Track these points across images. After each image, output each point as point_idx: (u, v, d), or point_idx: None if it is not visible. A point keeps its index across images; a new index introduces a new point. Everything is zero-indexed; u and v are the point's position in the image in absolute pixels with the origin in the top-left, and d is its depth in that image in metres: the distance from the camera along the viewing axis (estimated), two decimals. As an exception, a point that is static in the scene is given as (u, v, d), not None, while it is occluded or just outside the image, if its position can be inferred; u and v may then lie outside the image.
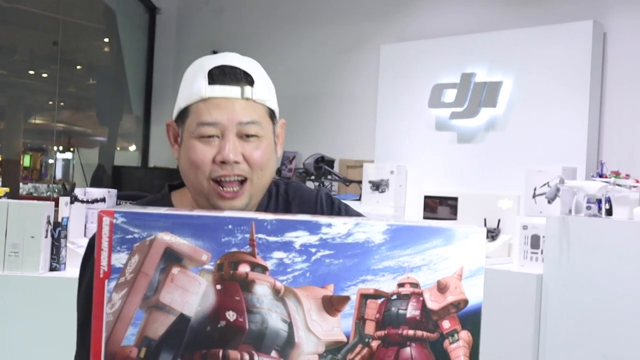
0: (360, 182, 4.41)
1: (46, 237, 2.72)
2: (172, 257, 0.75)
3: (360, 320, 0.76)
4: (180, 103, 1.14)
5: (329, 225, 0.72)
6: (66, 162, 5.50)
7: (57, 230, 2.83)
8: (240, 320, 0.73)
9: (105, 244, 0.74)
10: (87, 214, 3.31)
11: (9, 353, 2.60)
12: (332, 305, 0.73)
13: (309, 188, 1.33)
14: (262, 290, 0.73)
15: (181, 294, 0.75)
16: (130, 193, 3.78)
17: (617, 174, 3.35)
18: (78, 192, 3.26)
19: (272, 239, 0.72)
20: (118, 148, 5.89)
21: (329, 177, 4.49)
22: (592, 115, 3.80)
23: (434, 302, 0.78)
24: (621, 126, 3.80)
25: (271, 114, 1.17)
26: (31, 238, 2.70)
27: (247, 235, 0.72)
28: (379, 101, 4.65)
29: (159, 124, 5.87)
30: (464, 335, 0.78)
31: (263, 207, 1.23)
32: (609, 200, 3.27)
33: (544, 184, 3.60)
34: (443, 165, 4.32)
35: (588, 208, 3.22)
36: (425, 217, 4.19)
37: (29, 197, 5.67)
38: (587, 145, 3.75)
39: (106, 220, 0.72)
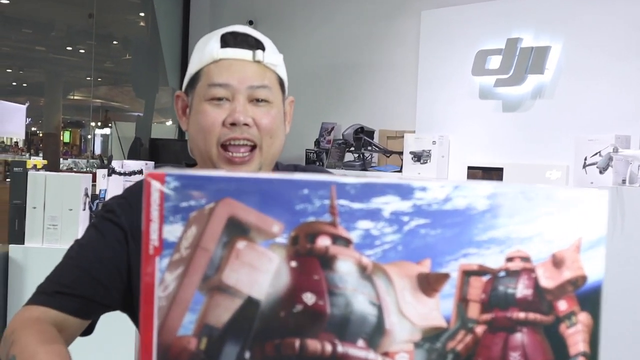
0: (401, 153, 4.27)
1: (84, 209, 2.72)
2: (236, 229, 0.61)
3: (463, 301, 0.63)
4: (191, 69, 1.14)
5: (424, 189, 0.59)
6: (105, 137, 5.49)
7: (95, 203, 2.82)
8: (320, 303, 0.60)
9: (154, 214, 0.60)
10: (124, 186, 3.29)
11: None
12: (429, 284, 0.60)
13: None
14: (345, 268, 0.60)
15: (248, 273, 0.61)
16: (167, 165, 3.72)
17: (674, 142, 3.17)
18: (115, 164, 3.24)
19: (356, 205, 0.59)
20: (155, 122, 5.85)
21: (369, 148, 4.36)
22: (646, 80, 3.59)
23: (548, 280, 0.65)
24: (677, 91, 3.59)
25: (281, 83, 1.17)
26: (69, 210, 2.70)
27: (327, 202, 0.59)
28: (420, 69, 4.49)
29: (195, 96, 5.78)
30: (583, 317, 0.65)
31: None
32: (666, 169, 3.10)
33: (595, 153, 3.43)
34: (487, 135, 4.16)
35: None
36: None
37: (69, 172, 5.68)
38: (641, 112, 3.56)
39: (155, 185, 0.58)
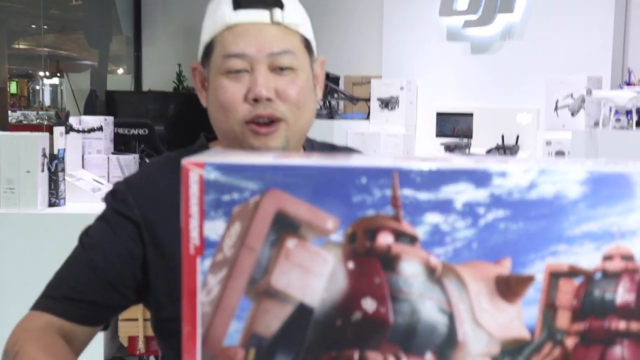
0: (368, 100, 4.20)
1: (42, 170, 2.55)
2: (285, 225, 0.54)
3: (550, 308, 0.54)
4: (204, 37, 1.04)
5: (503, 175, 0.51)
6: (54, 87, 5.27)
7: (54, 163, 2.68)
8: (382, 310, 0.52)
9: (194, 209, 0.54)
10: (83, 144, 3.18)
11: (9, 293, 2.47)
12: (509, 288, 0.52)
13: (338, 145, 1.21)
14: (411, 269, 0.52)
15: (300, 276, 0.54)
16: (130, 120, 3.58)
17: (645, 82, 3.17)
18: (72, 120, 3.09)
19: (423, 196, 0.51)
20: (119, 71, 5.64)
21: (335, 95, 4.27)
22: (618, 20, 3.59)
23: None
24: (649, 31, 3.58)
25: (307, 44, 1.04)
26: (27, 173, 2.54)
27: (389, 192, 0.51)
28: (385, 11, 4.39)
29: (150, 44, 5.59)
30: None
31: None
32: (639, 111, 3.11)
33: (567, 95, 3.42)
34: (456, 78, 4.11)
35: (617, 120, 3.05)
36: (438, 136, 4.01)
37: (19, 125, 5.45)
38: (612, 52, 3.57)
39: (194, 174, 0.52)
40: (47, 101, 5.29)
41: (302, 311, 0.54)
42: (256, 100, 0.98)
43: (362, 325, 0.52)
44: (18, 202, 2.50)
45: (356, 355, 0.53)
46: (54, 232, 2.46)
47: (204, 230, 0.53)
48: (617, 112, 3.06)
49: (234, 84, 1.00)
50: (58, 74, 5.21)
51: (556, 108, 3.46)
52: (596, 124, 3.15)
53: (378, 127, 4.09)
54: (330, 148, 1.19)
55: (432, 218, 0.51)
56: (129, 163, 3.23)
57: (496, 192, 0.51)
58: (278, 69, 1.00)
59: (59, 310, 1.00)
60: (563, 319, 0.54)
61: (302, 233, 0.53)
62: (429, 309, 0.52)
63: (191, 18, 5.42)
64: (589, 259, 0.53)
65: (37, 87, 5.27)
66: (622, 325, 0.55)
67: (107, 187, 2.97)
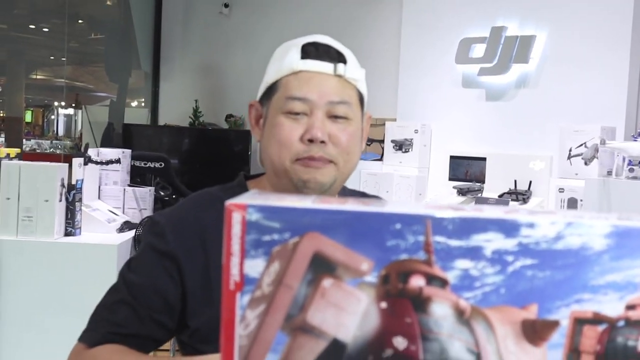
0: (382, 142, 4.24)
1: (60, 200, 2.60)
2: (322, 266, 0.57)
3: (574, 353, 0.56)
4: (268, 79, 1.11)
5: (532, 226, 0.54)
6: (68, 117, 5.35)
7: (72, 194, 2.70)
8: (413, 349, 0.55)
9: (236, 247, 0.57)
10: (100, 176, 3.22)
11: (24, 319, 2.51)
12: (535, 332, 0.55)
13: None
14: (441, 311, 0.55)
15: (335, 314, 0.57)
16: (146, 154, 3.63)
17: (659, 134, 3.19)
18: (91, 152, 3.14)
19: (454, 243, 0.54)
20: (133, 104, 5.73)
21: (350, 136, 4.31)
22: (633, 71, 3.62)
23: None
24: (663, 83, 3.62)
25: (361, 99, 1.13)
26: (45, 202, 2.58)
27: (422, 238, 0.54)
28: (402, 56, 4.44)
29: (168, 80, 5.68)
30: None
31: None
32: (652, 161, 3.12)
33: (581, 144, 3.45)
34: (470, 124, 4.14)
35: (630, 170, 3.07)
36: (451, 179, 4.03)
37: (33, 154, 5.52)
38: (626, 103, 3.58)
39: (237, 216, 0.55)
40: (61, 131, 5.37)
41: (336, 347, 0.56)
42: (311, 141, 1.05)
43: None
44: (35, 231, 2.53)
45: None
46: (69, 261, 2.51)
47: (244, 267, 0.56)
48: (630, 162, 3.08)
49: (292, 124, 1.07)
50: (73, 105, 5.29)
51: (569, 157, 3.48)
52: (609, 173, 3.16)
53: (391, 169, 4.12)
54: (361, 195, 1.25)
55: (463, 264, 0.54)
56: (144, 195, 3.28)
57: (524, 242, 0.53)
58: (333, 117, 1.07)
59: (102, 343, 1.05)
60: None
61: (337, 273, 0.56)
62: (457, 349, 0.55)
63: (208, 56, 5.53)
64: (612, 307, 0.54)
65: (52, 117, 5.35)
66: None
67: (122, 219, 3.01)
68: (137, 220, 3.06)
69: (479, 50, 4.05)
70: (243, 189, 1.14)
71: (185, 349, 1.15)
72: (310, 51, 1.08)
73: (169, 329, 1.09)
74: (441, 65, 4.23)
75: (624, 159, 3.10)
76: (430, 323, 0.55)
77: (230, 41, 5.23)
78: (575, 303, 0.54)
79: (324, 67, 1.08)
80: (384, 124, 4.29)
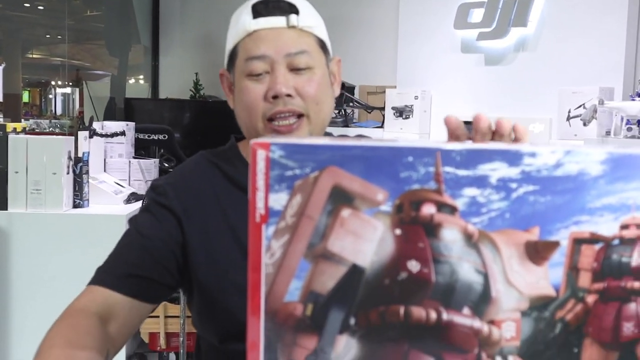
0: (382, 109, 4.27)
1: (68, 173, 2.64)
2: (341, 197, 0.62)
3: (573, 270, 0.61)
4: (228, 45, 1.13)
5: (533, 155, 0.58)
6: (65, 96, 5.37)
7: (79, 166, 2.73)
8: (425, 271, 0.60)
9: (261, 183, 0.61)
10: (105, 149, 3.24)
11: (35, 289, 2.57)
12: (537, 252, 0.60)
13: None
14: (451, 236, 0.60)
15: (353, 241, 0.62)
16: (150, 126, 3.67)
17: (657, 94, 3.22)
18: (95, 126, 3.18)
19: (462, 172, 0.59)
20: (132, 80, 5.74)
21: (350, 104, 4.35)
22: (630, 32, 3.64)
23: None
24: (660, 43, 3.64)
25: (322, 45, 1.13)
26: (53, 175, 2.62)
27: (432, 169, 0.59)
28: (401, 23, 4.46)
29: (167, 54, 5.70)
30: None
31: None
32: (650, 121, 3.16)
33: (579, 106, 3.47)
34: (470, 89, 4.17)
35: (628, 129, 3.11)
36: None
37: (32, 133, 5.55)
38: (624, 63, 3.61)
39: (261, 154, 0.59)
40: (59, 110, 5.38)
41: (355, 272, 0.62)
42: (276, 97, 1.06)
43: (407, 284, 0.60)
44: (44, 203, 2.58)
45: (401, 310, 0.60)
46: (78, 232, 2.56)
47: (269, 201, 0.60)
48: (628, 121, 3.11)
49: (256, 85, 1.08)
50: (70, 83, 5.30)
51: (568, 118, 3.51)
52: (608, 133, 3.20)
53: (392, 135, 4.15)
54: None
55: (470, 192, 0.59)
56: (149, 167, 3.32)
57: (527, 170, 0.58)
58: (296, 69, 1.08)
59: (116, 285, 1.06)
60: (584, 279, 0.61)
61: (355, 204, 0.61)
62: (466, 270, 0.60)
63: (207, 29, 5.51)
64: (607, 227, 0.60)
65: (50, 96, 5.37)
66: (636, 284, 0.62)
67: (129, 190, 3.05)
68: (143, 192, 3.10)
69: (477, 15, 4.06)
70: (234, 151, 1.18)
71: (193, 308, 1.19)
72: (261, 9, 1.09)
73: (175, 277, 1.12)
74: (440, 31, 4.25)
75: (622, 118, 3.13)
76: (441, 247, 0.60)
77: (229, 13, 5.21)
78: (574, 225, 0.59)
79: (276, 21, 1.08)
80: (384, 92, 4.31)
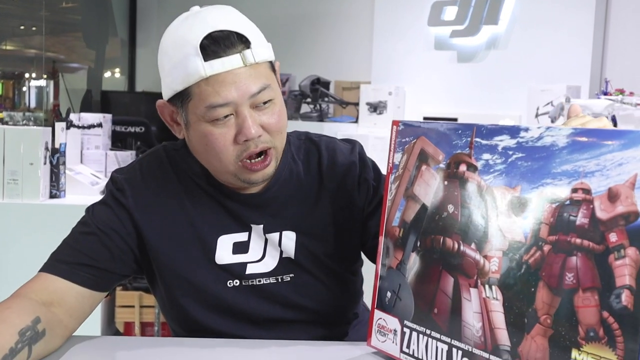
0: (357, 104, 4.47)
1: (45, 163, 2.73)
2: (423, 157, 0.95)
3: (538, 223, 0.80)
4: (175, 85, 1.08)
5: (526, 130, 0.82)
6: (39, 89, 5.40)
7: (56, 157, 2.81)
8: (456, 212, 0.86)
9: (392, 146, 0.99)
10: (82, 140, 3.30)
11: (12, 278, 2.59)
12: (518, 206, 0.83)
13: (343, 145, 1.29)
14: (472, 188, 0.85)
15: (425, 188, 0.94)
16: (127, 118, 3.78)
17: (621, 92, 3.49)
18: (72, 117, 3.24)
19: (484, 142, 0.83)
20: (109, 73, 5.78)
21: (325, 99, 4.54)
22: (597, 32, 3.91)
23: (602, 212, 0.74)
24: (625, 43, 3.92)
25: (272, 66, 1.13)
26: (30, 165, 2.69)
27: (469, 139, 0.84)
28: (376, 20, 4.70)
29: (144, 46, 5.78)
30: (631, 252, 0.71)
31: (294, 173, 1.22)
32: (614, 118, 3.41)
33: (547, 103, 3.72)
34: (442, 85, 4.42)
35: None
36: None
37: (5, 125, 5.55)
38: (591, 63, 3.88)
39: (394, 127, 1.01)
40: (33, 103, 5.41)
41: (423, 209, 0.96)
42: (247, 140, 1.07)
43: (446, 220, 0.87)
44: (21, 193, 2.66)
45: (441, 239, 0.93)
46: (54, 222, 2.58)
47: (394, 158, 1.00)
48: (594, 119, 3.37)
49: (222, 130, 1.07)
50: (45, 76, 5.33)
51: (537, 115, 3.76)
52: (575, 130, 3.44)
53: (366, 130, 4.35)
54: (306, 137, 1.29)
55: (486, 156, 0.83)
56: (126, 159, 3.39)
57: (520, 141, 0.82)
58: (260, 105, 1.09)
59: (69, 275, 1.11)
60: (544, 232, 0.81)
61: (429, 162, 0.95)
62: (477, 215, 0.84)
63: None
64: (563, 190, 0.79)
65: (24, 89, 5.38)
66: (578, 241, 0.77)
67: (105, 181, 3.14)
68: None
69: (450, 13, 4.30)
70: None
71: (157, 298, 1.27)
72: (212, 49, 1.04)
73: (131, 267, 1.18)
74: (414, 29, 4.48)
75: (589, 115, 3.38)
76: (465, 196, 0.85)
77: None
78: (542, 186, 0.81)
79: (232, 62, 1.05)
80: (358, 87, 4.52)
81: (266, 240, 1.19)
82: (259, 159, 1.11)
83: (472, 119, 4.15)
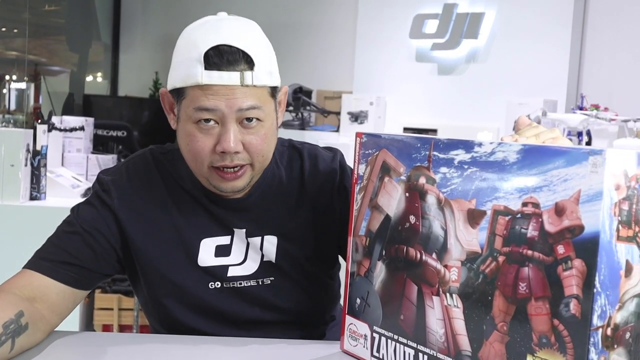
0: (338, 114, 4.54)
1: (26, 165, 2.73)
2: (385, 169, 1.01)
3: (492, 234, 0.84)
4: (175, 81, 1.12)
5: (480, 145, 0.87)
6: (20, 92, 5.38)
7: (37, 159, 2.80)
8: (417, 223, 0.92)
9: (356, 157, 1.05)
10: (64, 143, 3.30)
11: None
12: (473, 218, 0.87)
13: (325, 153, 1.32)
14: (431, 200, 0.90)
15: (388, 199, 1.00)
16: (109, 122, 3.81)
17: (596, 107, 3.58)
18: (54, 120, 3.25)
19: (441, 155, 0.88)
20: (91, 77, 5.77)
21: (307, 107, 4.59)
22: (574, 48, 4.02)
23: (550, 225, 0.77)
24: (601, 60, 4.03)
25: (273, 91, 1.15)
26: (11, 167, 2.70)
27: (427, 153, 0.89)
28: (358, 31, 4.78)
29: (128, 52, 5.81)
30: (578, 263, 0.75)
31: (276, 179, 1.25)
32: (589, 133, 3.51)
33: (525, 116, 3.79)
34: (423, 96, 4.50)
35: (570, 140, 3.43)
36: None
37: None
38: (567, 78, 3.98)
39: (357, 139, 1.06)
40: (13, 105, 5.39)
41: (387, 219, 1.01)
42: (224, 152, 1.10)
43: (408, 231, 0.95)
44: (1, 195, 2.66)
45: (405, 248, 0.98)
46: (34, 224, 2.58)
47: (358, 169, 1.05)
48: (569, 132, 3.44)
49: (203, 136, 1.10)
50: (26, 79, 5.31)
51: (514, 128, 3.83)
52: (550, 144, 3.52)
53: (347, 139, 4.40)
54: (290, 147, 1.31)
55: (443, 169, 0.88)
56: (107, 163, 3.37)
57: (475, 155, 0.88)
58: (245, 120, 1.10)
59: (52, 273, 1.13)
60: (498, 243, 0.84)
61: (390, 174, 1.00)
62: (436, 226, 0.90)
63: (169, 28, 5.66)
64: (514, 203, 0.82)
65: (4, 91, 5.37)
66: (529, 252, 0.81)
67: (86, 185, 3.13)
68: None
69: (431, 26, 4.39)
70: (179, 153, 1.21)
71: (139, 297, 1.30)
72: (215, 61, 1.07)
73: (113, 266, 1.21)
74: (396, 40, 4.56)
75: (564, 130, 3.47)
76: (425, 207, 0.91)
77: (191, 13, 5.34)
78: (495, 199, 0.86)
79: (230, 78, 1.07)
80: (340, 97, 4.58)
81: (248, 244, 1.23)
82: (232, 169, 1.13)
83: (452, 131, 4.23)
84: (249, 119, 1.10)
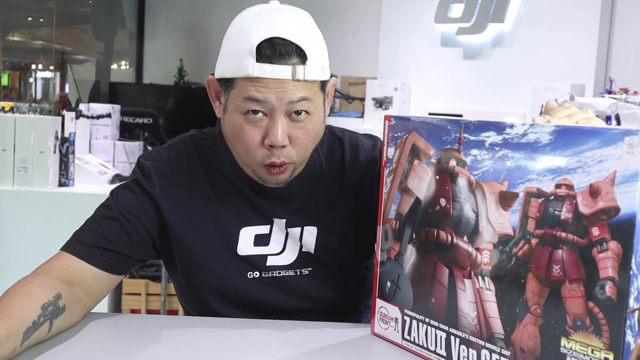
0: (363, 99, 4.52)
1: (54, 152, 2.78)
2: (415, 152, 1.00)
3: (525, 216, 0.83)
4: (225, 71, 1.11)
5: (512, 127, 0.86)
6: (45, 80, 5.43)
7: (65, 146, 2.86)
8: (448, 206, 0.91)
9: (385, 140, 1.05)
10: (91, 130, 3.35)
11: (21, 265, 2.62)
12: (505, 200, 0.86)
13: (365, 142, 1.31)
14: (461, 182, 0.90)
15: (418, 181, 1.00)
16: (135, 109, 3.84)
17: (625, 91, 3.53)
18: (81, 107, 3.29)
19: (472, 137, 0.87)
20: (115, 65, 5.82)
21: (332, 93, 4.56)
22: (602, 32, 3.95)
23: (585, 207, 0.77)
24: (630, 43, 3.96)
25: (323, 85, 1.14)
26: (40, 153, 2.75)
27: (458, 135, 0.88)
28: (383, 16, 4.74)
29: (152, 39, 5.85)
30: (613, 245, 0.74)
31: (317, 168, 1.25)
32: (618, 117, 3.45)
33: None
34: (448, 82, 4.46)
35: (603, 121, 3.38)
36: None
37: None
38: (596, 61, 3.92)
39: (386, 122, 1.06)
40: (39, 94, 5.45)
41: (417, 202, 1.01)
42: (272, 146, 1.10)
43: (439, 213, 0.94)
44: (31, 181, 2.73)
45: (435, 231, 0.98)
46: (63, 210, 2.68)
47: (388, 152, 1.06)
48: (598, 117, 3.40)
49: (252, 128, 1.10)
50: (51, 68, 5.37)
51: (541, 113, 3.78)
52: (578, 128, 3.47)
53: (372, 125, 4.38)
54: (333, 136, 1.31)
55: (474, 152, 0.88)
56: (134, 150, 3.44)
57: (506, 137, 0.87)
58: (294, 113, 1.09)
59: (89, 258, 1.15)
60: (531, 225, 0.84)
61: (420, 157, 0.99)
62: (467, 209, 0.89)
63: (193, 15, 5.70)
64: (548, 185, 0.82)
65: (30, 80, 5.43)
66: (563, 234, 0.80)
67: (113, 172, 3.18)
68: (127, 173, 3.20)
69: (457, 10, 4.34)
70: (222, 139, 1.21)
71: (175, 283, 1.32)
72: (266, 53, 1.06)
73: (149, 252, 1.22)
74: (421, 25, 4.52)
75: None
76: (456, 190, 0.90)
77: (215, 1, 5.41)
78: (528, 181, 0.85)
79: (281, 72, 1.06)
80: (364, 83, 4.56)
81: (287, 234, 1.22)
82: (277, 170, 1.14)
83: (477, 116, 4.16)
84: (298, 112, 1.09)
